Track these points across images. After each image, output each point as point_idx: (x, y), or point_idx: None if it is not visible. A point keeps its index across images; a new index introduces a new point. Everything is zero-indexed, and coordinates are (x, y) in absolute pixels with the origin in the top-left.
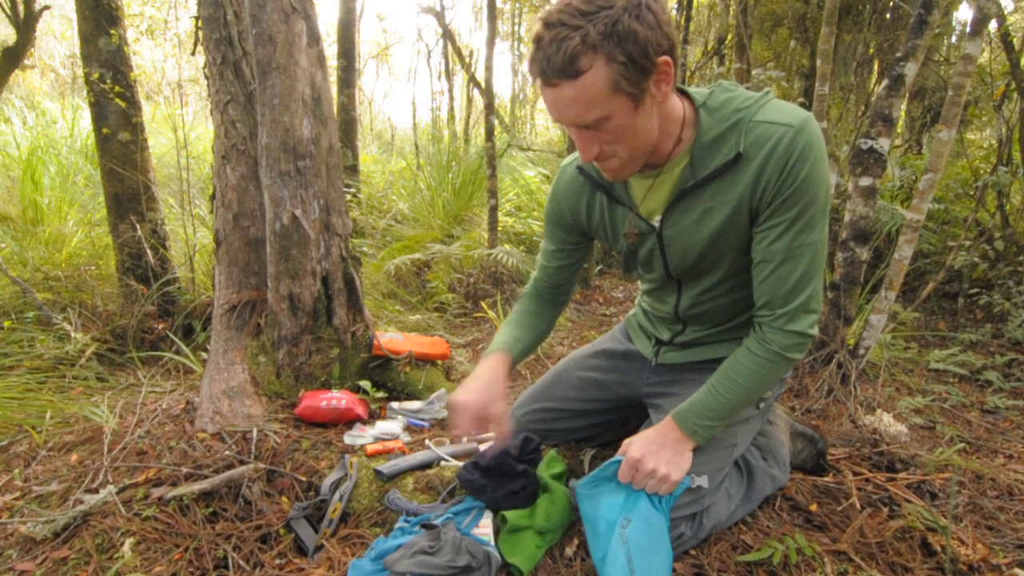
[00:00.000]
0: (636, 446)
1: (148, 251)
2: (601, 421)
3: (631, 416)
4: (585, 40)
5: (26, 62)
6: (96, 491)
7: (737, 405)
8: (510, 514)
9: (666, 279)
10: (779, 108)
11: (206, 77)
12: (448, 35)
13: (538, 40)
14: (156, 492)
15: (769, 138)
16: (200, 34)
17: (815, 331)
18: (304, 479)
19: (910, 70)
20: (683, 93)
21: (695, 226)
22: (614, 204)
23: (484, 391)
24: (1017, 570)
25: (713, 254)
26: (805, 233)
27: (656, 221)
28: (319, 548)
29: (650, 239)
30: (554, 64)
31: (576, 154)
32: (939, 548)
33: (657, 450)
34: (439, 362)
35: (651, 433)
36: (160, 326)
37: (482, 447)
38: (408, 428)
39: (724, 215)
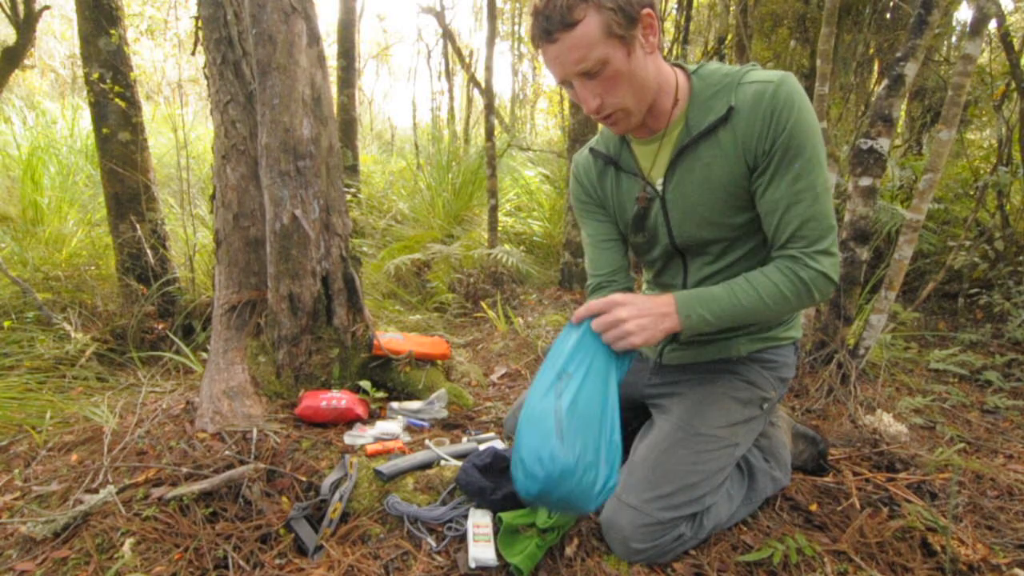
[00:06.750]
0: (623, 296)
1: (148, 251)
2: None
3: (632, 417)
4: None
5: (26, 62)
6: (96, 491)
7: (743, 314)
8: (509, 513)
9: (671, 251)
10: (762, 71)
11: (206, 77)
12: (448, 35)
13: (535, 9)
14: (156, 492)
15: (756, 92)
16: (200, 34)
17: (836, 276)
18: (304, 479)
19: (910, 70)
20: (676, 65)
21: (695, 185)
22: (622, 174)
23: None
24: (1017, 570)
25: (713, 214)
26: (804, 179)
27: (659, 185)
28: (319, 548)
29: (655, 204)
30: (553, 19)
31: (585, 145)
32: (939, 548)
33: (639, 310)
34: (439, 362)
35: (644, 297)
36: (160, 326)
37: (482, 447)
38: (408, 428)
39: (721, 169)
